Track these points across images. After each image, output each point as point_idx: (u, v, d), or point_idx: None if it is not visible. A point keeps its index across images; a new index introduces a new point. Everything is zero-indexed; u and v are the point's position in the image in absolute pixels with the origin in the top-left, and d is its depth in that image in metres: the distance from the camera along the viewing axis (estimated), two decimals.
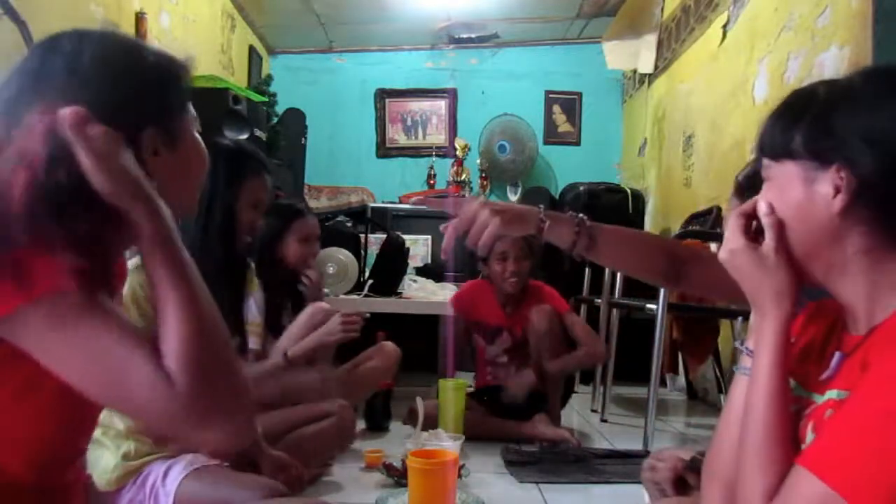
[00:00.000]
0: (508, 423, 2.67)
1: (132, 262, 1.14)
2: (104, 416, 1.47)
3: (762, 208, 0.88)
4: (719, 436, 0.93)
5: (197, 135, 0.94)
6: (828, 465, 0.72)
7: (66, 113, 0.76)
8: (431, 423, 2.66)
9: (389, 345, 2.73)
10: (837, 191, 0.82)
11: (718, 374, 3.37)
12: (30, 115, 0.79)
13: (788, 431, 0.82)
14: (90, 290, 0.76)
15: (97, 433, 1.48)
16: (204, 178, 0.97)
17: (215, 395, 0.77)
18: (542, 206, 1.27)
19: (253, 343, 1.97)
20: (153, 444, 1.52)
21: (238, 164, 1.85)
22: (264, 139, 3.70)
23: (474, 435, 2.47)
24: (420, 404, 2.57)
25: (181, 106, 0.91)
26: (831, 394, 0.82)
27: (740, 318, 2.94)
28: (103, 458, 1.47)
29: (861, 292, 0.84)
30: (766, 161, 0.90)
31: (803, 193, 0.85)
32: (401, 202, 5.02)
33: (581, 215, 1.23)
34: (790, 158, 0.87)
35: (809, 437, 0.82)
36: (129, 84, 0.85)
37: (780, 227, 0.87)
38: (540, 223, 1.21)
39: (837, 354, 0.88)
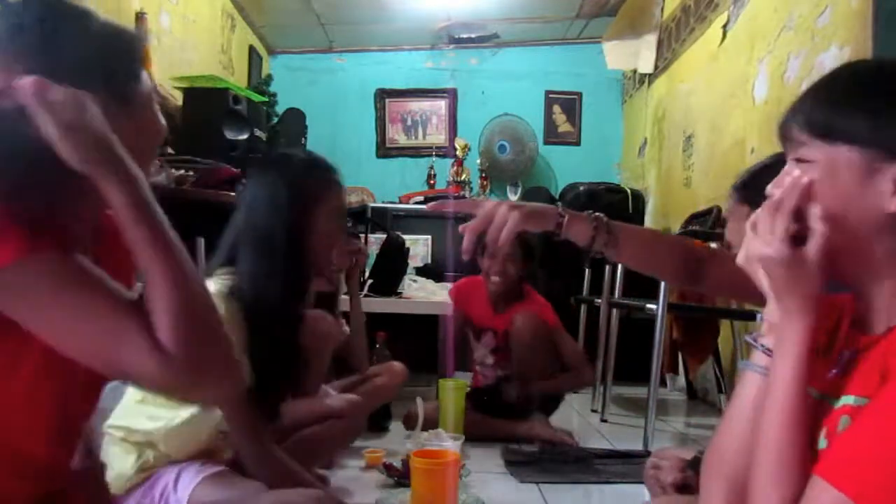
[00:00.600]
0: (507, 423, 2.68)
1: None
2: (128, 419, 1.47)
3: (816, 211, 0.80)
4: (723, 432, 0.89)
5: (155, 105, 0.92)
6: (843, 473, 0.70)
7: (27, 82, 0.74)
8: (431, 423, 2.66)
9: (398, 364, 2.74)
10: None
11: (718, 374, 3.37)
12: None
13: (806, 444, 0.78)
14: (70, 254, 0.76)
15: (119, 434, 1.47)
16: (156, 149, 0.94)
17: (205, 360, 0.78)
18: (559, 203, 1.29)
19: None
20: (170, 457, 1.49)
21: (312, 178, 1.63)
22: (264, 139, 3.70)
23: (472, 435, 2.47)
24: (420, 404, 2.57)
25: (131, 72, 0.89)
26: (847, 399, 0.78)
27: (739, 319, 2.94)
28: (120, 462, 1.45)
29: (887, 292, 0.80)
30: (805, 137, 0.82)
31: (859, 184, 0.78)
32: (401, 202, 5.02)
33: (599, 213, 1.23)
34: (848, 142, 0.79)
35: (822, 442, 0.79)
36: (76, 47, 0.82)
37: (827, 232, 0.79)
38: (559, 219, 1.20)
39: (846, 352, 0.85)
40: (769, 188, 0.86)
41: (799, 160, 0.83)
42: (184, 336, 0.76)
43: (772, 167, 1.44)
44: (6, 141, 0.75)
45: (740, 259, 0.86)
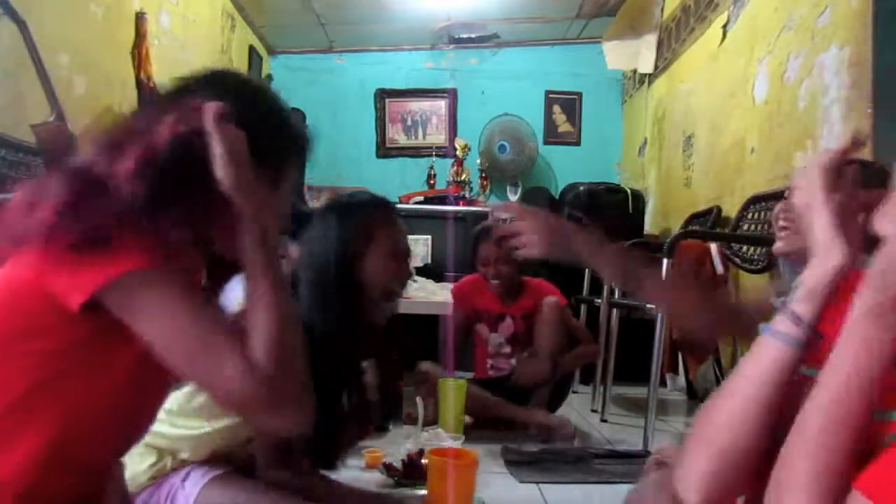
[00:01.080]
0: (507, 405, 2.74)
1: None
2: (156, 425, 1.47)
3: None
4: (718, 402, 0.82)
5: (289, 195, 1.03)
6: (885, 490, 0.64)
7: (212, 105, 0.87)
8: (431, 423, 2.66)
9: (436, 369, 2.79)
10: None
11: (718, 374, 3.37)
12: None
13: (853, 453, 0.69)
14: (186, 273, 0.87)
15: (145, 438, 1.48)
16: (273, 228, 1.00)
17: (289, 383, 0.85)
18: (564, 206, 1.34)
19: None
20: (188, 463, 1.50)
21: (368, 216, 1.64)
22: None
23: (471, 412, 2.59)
24: (420, 404, 2.57)
25: (293, 158, 1.02)
26: None
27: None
28: (136, 463, 1.45)
29: None
30: None
31: None
32: (401, 202, 5.02)
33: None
34: None
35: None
36: (266, 119, 0.97)
37: None
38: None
39: None
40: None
41: None
42: (276, 356, 0.83)
43: None
44: (176, 154, 0.84)
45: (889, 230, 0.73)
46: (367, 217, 1.65)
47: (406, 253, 1.71)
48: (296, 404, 0.87)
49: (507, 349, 3.02)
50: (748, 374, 0.80)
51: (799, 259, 0.99)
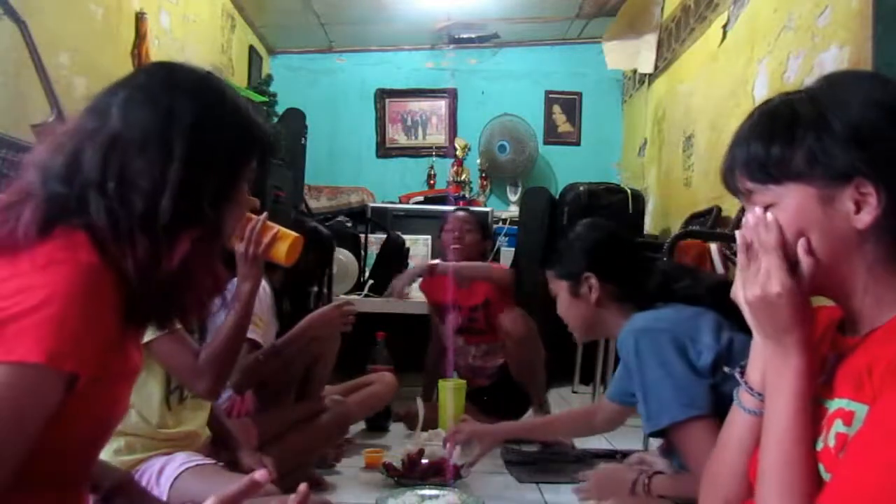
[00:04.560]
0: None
1: None
2: None
3: (803, 244, 0.82)
4: (715, 460, 0.97)
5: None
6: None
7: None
8: (431, 423, 2.66)
9: (390, 375, 2.76)
10: (858, 206, 0.80)
11: None
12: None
13: (812, 478, 0.79)
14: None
15: None
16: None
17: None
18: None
19: (253, 334, 1.95)
20: (144, 444, 1.53)
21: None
22: None
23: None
24: (420, 404, 2.57)
25: (253, 158, 1.00)
26: (841, 403, 0.80)
27: None
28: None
29: (869, 300, 0.82)
30: (752, 186, 0.86)
31: (822, 213, 0.81)
32: (401, 202, 5.02)
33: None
34: (796, 180, 0.83)
35: (819, 444, 0.81)
36: (224, 119, 0.95)
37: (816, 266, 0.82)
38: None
39: (832, 356, 0.87)
40: (739, 234, 0.87)
41: (757, 203, 0.86)
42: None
43: (578, 238, 1.75)
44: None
45: (741, 299, 0.87)
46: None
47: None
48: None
49: (461, 341, 3.08)
50: (731, 435, 0.95)
51: None
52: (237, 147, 0.95)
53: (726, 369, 1.10)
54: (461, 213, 3.28)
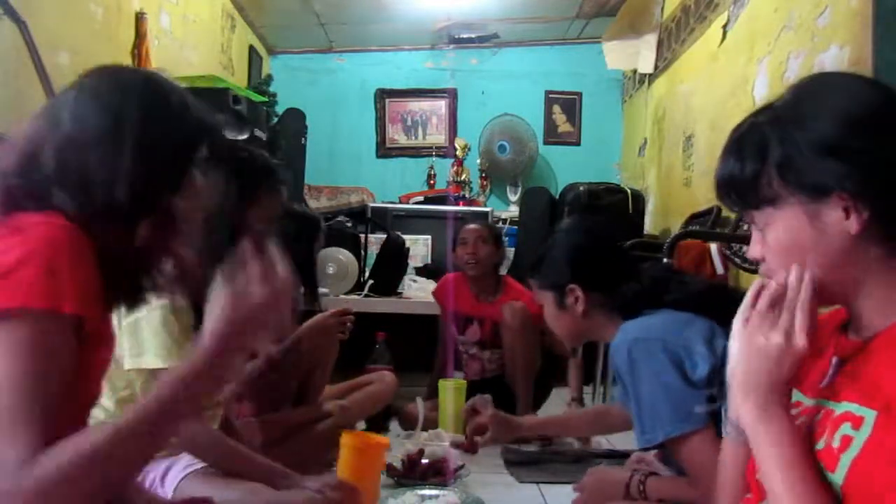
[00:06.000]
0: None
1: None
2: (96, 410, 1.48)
3: (794, 275, 0.83)
4: (719, 497, 1.01)
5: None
6: None
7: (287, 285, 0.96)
8: (431, 423, 2.66)
9: (389, 375, 2.75)
10: (847, 212, 0.80)
11: None
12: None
13: None
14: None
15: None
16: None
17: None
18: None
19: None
20: None
21: (252, 178, 1.65)
22: (264, 139, 3.70)
23: None
24: (420, 404, 2.57)
25: (200, 156, 1.03)
26: (850, 407, 0.80)
27: None
28: None
29: (873, 303, 0.83)
30: (749, 210, 0.88)
31: (812, 229, 0.82)
32: (401, 202, 5.02)
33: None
34: (774, 204, 0.84)
35: (821, 444, 0.81)
36: (170, 118, 0.99)
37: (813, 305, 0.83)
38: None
39: (835, 359, 0.87)
40: (772, 283, 0.86)
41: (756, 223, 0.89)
42: (69, 478, 0.76)
43: (558, 246, 1.71)
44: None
45: (745, 338, 0.86)
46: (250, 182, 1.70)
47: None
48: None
49: (474, 350, 3.07)
50: (727, 472, 0.99)
51: None
52: (183, 139, 0.99)
53: (716, 404, 1.16)
54: (474, 227, 3.12)
